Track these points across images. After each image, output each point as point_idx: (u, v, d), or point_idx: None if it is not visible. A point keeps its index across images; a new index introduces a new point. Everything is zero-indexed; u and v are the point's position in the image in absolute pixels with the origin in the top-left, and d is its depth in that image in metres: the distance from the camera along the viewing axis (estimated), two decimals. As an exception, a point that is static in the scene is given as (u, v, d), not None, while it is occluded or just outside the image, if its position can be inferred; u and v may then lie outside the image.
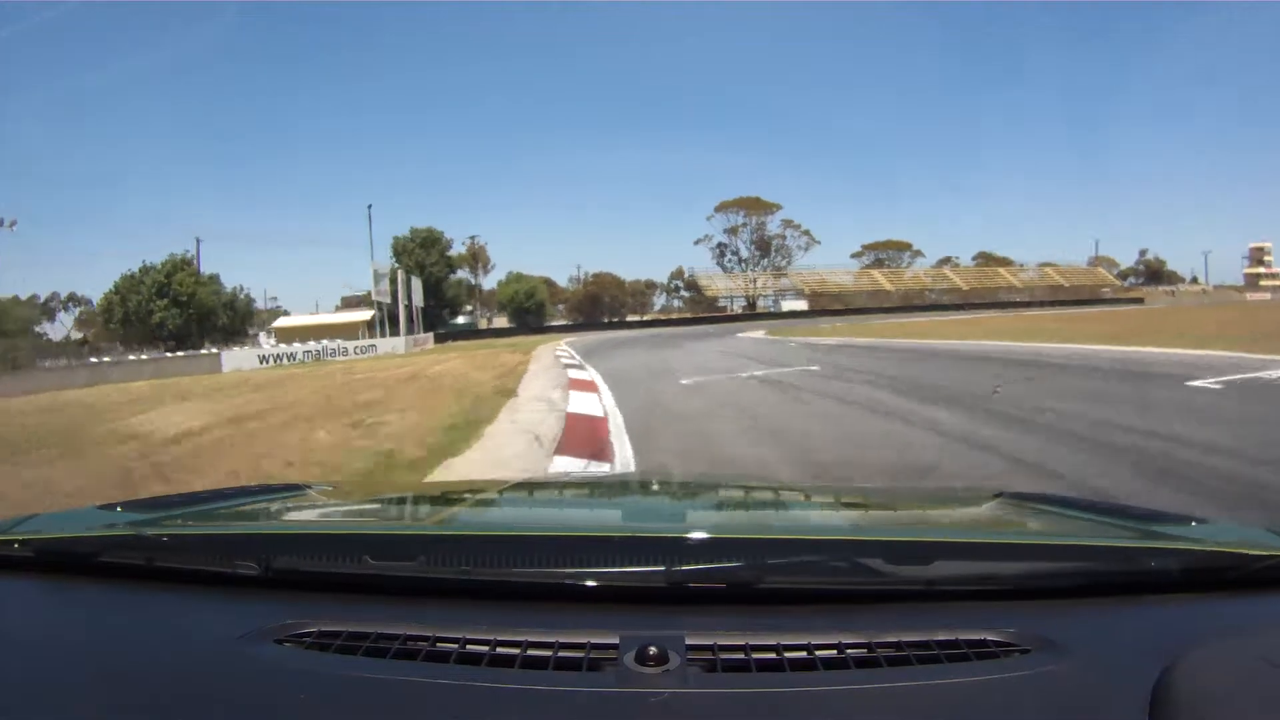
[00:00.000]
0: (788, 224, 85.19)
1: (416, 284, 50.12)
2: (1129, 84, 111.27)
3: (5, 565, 1.18)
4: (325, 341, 38.68)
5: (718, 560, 1.04)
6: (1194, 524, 1.41)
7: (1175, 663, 0.82)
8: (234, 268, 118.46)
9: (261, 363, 34.08)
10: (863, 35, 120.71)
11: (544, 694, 0.80)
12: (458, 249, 69.09)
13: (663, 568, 1.02)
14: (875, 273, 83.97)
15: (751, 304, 79.19)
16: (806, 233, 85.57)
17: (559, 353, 24.30)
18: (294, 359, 35.54)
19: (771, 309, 75.79)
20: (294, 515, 1.64)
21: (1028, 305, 68.40)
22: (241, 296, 53.93)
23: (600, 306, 78.46)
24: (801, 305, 74.73)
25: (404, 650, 0.89)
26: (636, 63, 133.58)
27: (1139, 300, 74.22)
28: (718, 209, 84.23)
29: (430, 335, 48.91)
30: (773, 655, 0.86)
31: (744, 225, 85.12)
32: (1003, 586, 1.05)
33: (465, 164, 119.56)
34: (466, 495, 1.90)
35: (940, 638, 0.90)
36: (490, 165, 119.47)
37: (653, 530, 1.38)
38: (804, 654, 0.87)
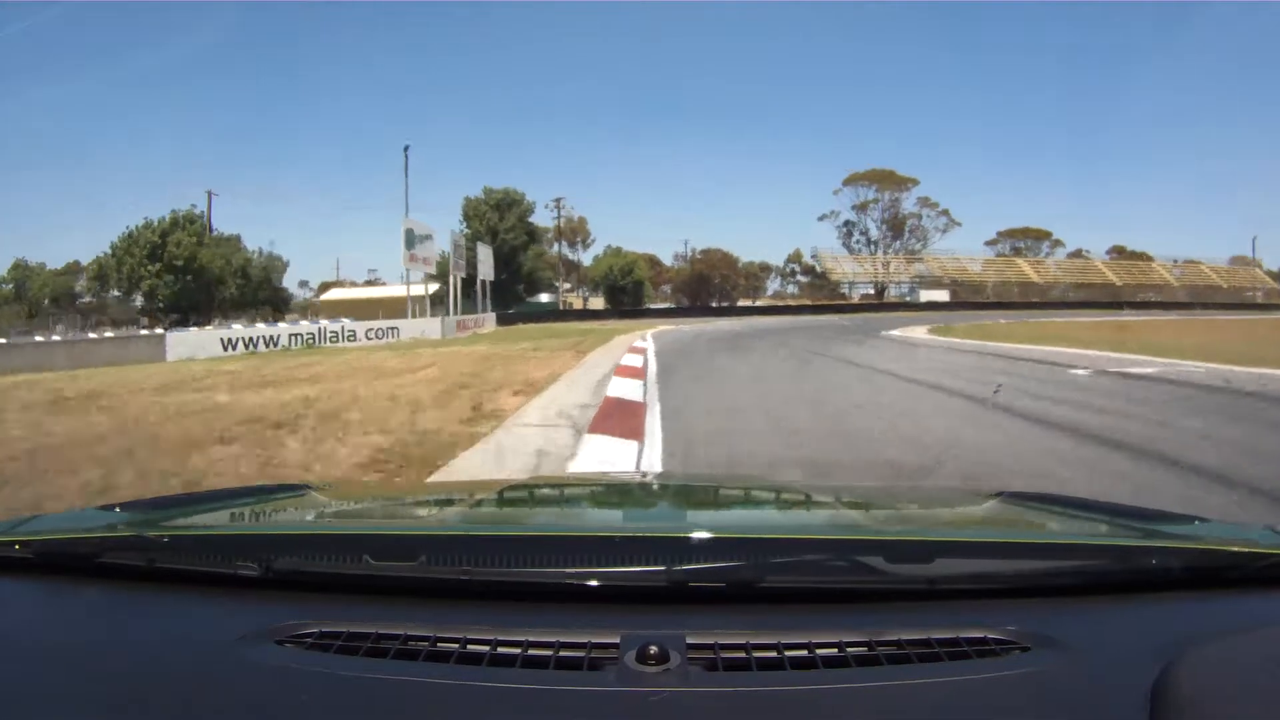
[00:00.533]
0: (924, 203, 73.58)
1: (486, 253, 41.69)
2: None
3: (5, 566, 1.16)
4: (325, 322, 29.45)
5: (718, 560, 1.05)
6: (1194, 523, 1.42)
7: (1175, 661, 0.82)
8: (312, 235, 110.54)
9: (226, 349, 24.37)
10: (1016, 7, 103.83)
11: (545, 694, 0.80)
12: (542, 216, 58.65)
13: (663, 567, 1.03)
14: (1021, 262, 72.97)
15: (880, 291, 66.41)
16: (945, 212, 73.57)
17: (627, 359, 14.31)
18: (274, 343, 25.97)
19: (906, 297, 62.93)
20: (294, 516, 1.63)
21: (1174, 306, 58.27)
22: (260, 259, 44.80)
23: (708, 288, 70.05)
24: (942, 295, 62.52)
25: (405, 650, 0.88)
26: (767, 15, 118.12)
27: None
28: (846, 182, 73.80)
29: (492, 316, 40.15)
30: (773, 654, 0.86)
31: (875, 201, 74.46)
32: (1003, 585, 1.05)
33: (560, 126, 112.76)
34: (467, 495, 1.89)
35: (941, 636, 0.90)
36: (593, 129, 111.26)
37: (653, 530, 1.40)
38: (805, 653, 0.87)
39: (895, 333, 25.50)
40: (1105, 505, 1.64)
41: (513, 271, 51.41)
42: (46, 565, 1.16)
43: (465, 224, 49.98)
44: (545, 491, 2.12)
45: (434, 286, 40.60)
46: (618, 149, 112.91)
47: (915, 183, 72.08)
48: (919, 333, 25.12)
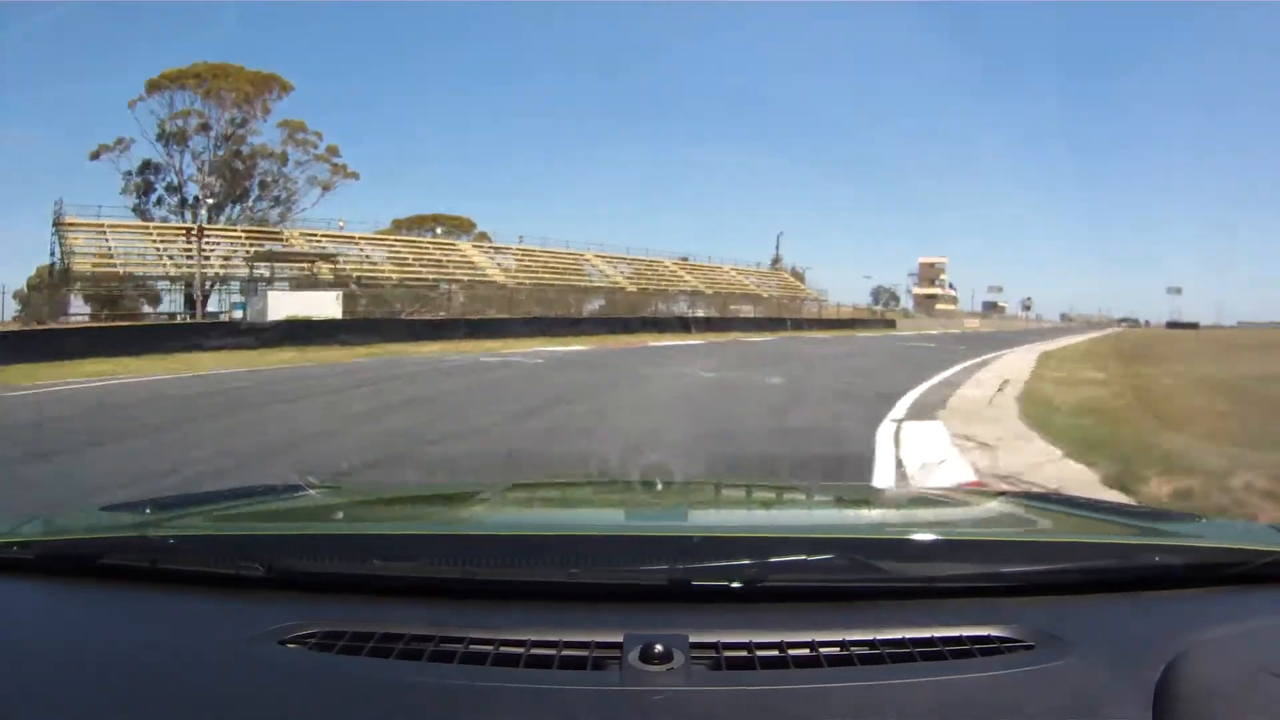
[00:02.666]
0: (293, 132, 39.04)
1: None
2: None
3: (7, 567, 1.16)
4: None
5: (721, 558, 1.04)
6: (1197, 521, 1.41)
7: (1179, 659, 0.83)
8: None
9: None
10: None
11: (548, 693, 0.80)
12: None
13: (666, 566, 1.03)
14: (470, 249, 44.05)
15: (200, 297, 29.23)
16: (332, 152, 42.87)
17: None
18: None
19: (238, 310, 27.09)
20: (297, 516, 1.61)
21: (762, 326, 39.08)
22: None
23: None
24: (325, 304, 26.73)
25: (408, 650, 0.88)
26: None
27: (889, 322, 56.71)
28: (154, 87, 38.77)
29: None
30: (776, 653, 0.86)
31: (202, 126, 40.09)
32: (1006, 583, 1.04)
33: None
34: (469, 495, 1.87)
35: (944, 634, 0.90)
36: None
37: (655, 529, 1.39)
38: (808, 651, 0.87)
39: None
40: (1108, 504, 1.79)
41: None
42: (48, 566, 1.15)
43: None
44: (547, 491, 2.10)
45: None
46: None
47: (288, 88, 37.90)
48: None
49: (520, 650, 0.87)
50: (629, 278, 47.20)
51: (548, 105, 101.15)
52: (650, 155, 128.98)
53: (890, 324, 54.84)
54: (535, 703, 0.79)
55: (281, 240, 35.48)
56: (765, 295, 53.66)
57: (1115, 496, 4.12)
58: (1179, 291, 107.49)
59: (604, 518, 1.68)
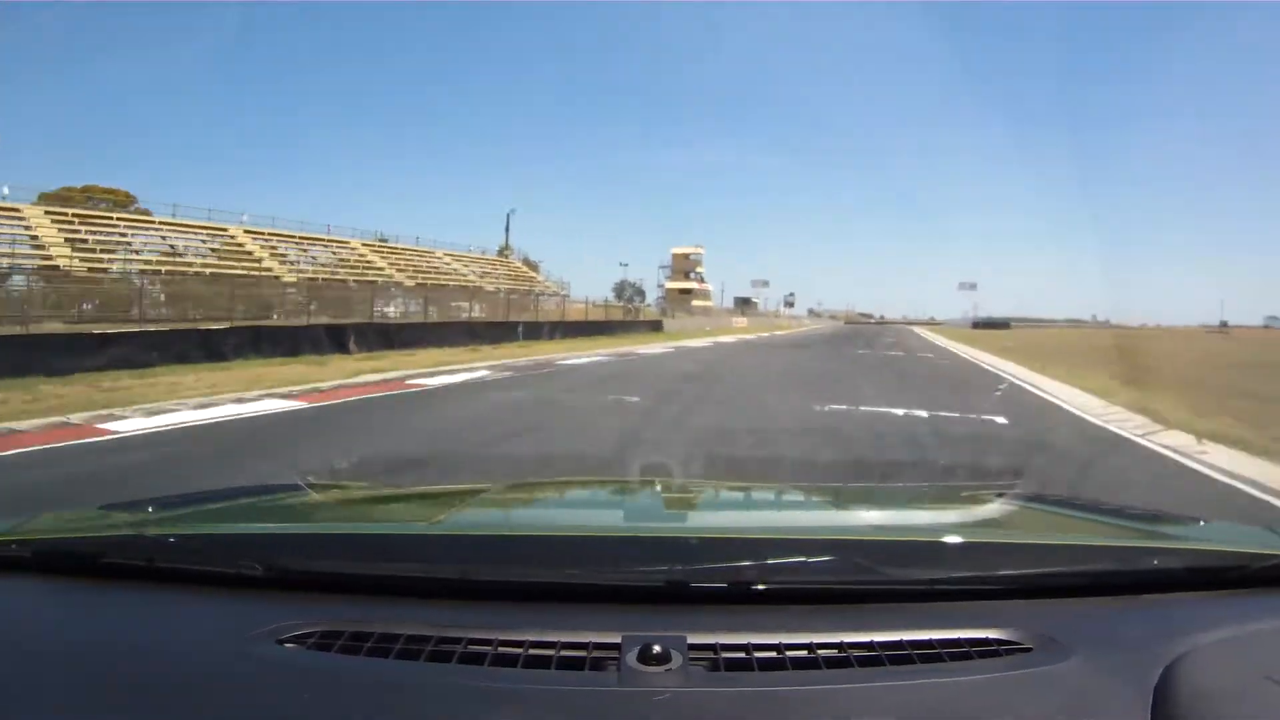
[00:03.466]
0: None
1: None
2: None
3: (7, 566, 1.16)
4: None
5: (719, 560, 1.04)
6: (1196, 524, 1.41)
7: (1177, 662, 0.83)
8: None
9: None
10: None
11: (547, 694, 0.80)
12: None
13: (664, 567, 1.03)
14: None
15: None
16: None
17: None
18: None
19: None
20: (296, 515, 1.61)
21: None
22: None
23: None
24: None
25: (406, 650, 0.88)
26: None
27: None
28: None
29: None
30: (774, 654, 0.86)
31: None
32: (1005, 586, 1.04)
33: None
34: (468, 495, 1.83)
35: (942, 636, 0.90)
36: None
37: (654, 530, 1.39)
38: (806, 653, 0.87)
39: None
40: (1107, 506, 1.69)
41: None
42: (47, 565, 1.15)
43: None
44: (546, 492, 2.09)
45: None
46: None
47: None
48: None
49: (518, 650, 0.86)
50: (293, 264, 31.58)
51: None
52: (351, 129, 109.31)
53: (657, 326, 41.99)
54: (534, 703, 0.79)
55: None
56: (490, 289, 39.58)
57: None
58: (973, 287, 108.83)
59: (602, 518, 1.67)
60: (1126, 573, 1.10)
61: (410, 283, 35.30)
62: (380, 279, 34.45)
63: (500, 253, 52.35)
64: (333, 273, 33.75)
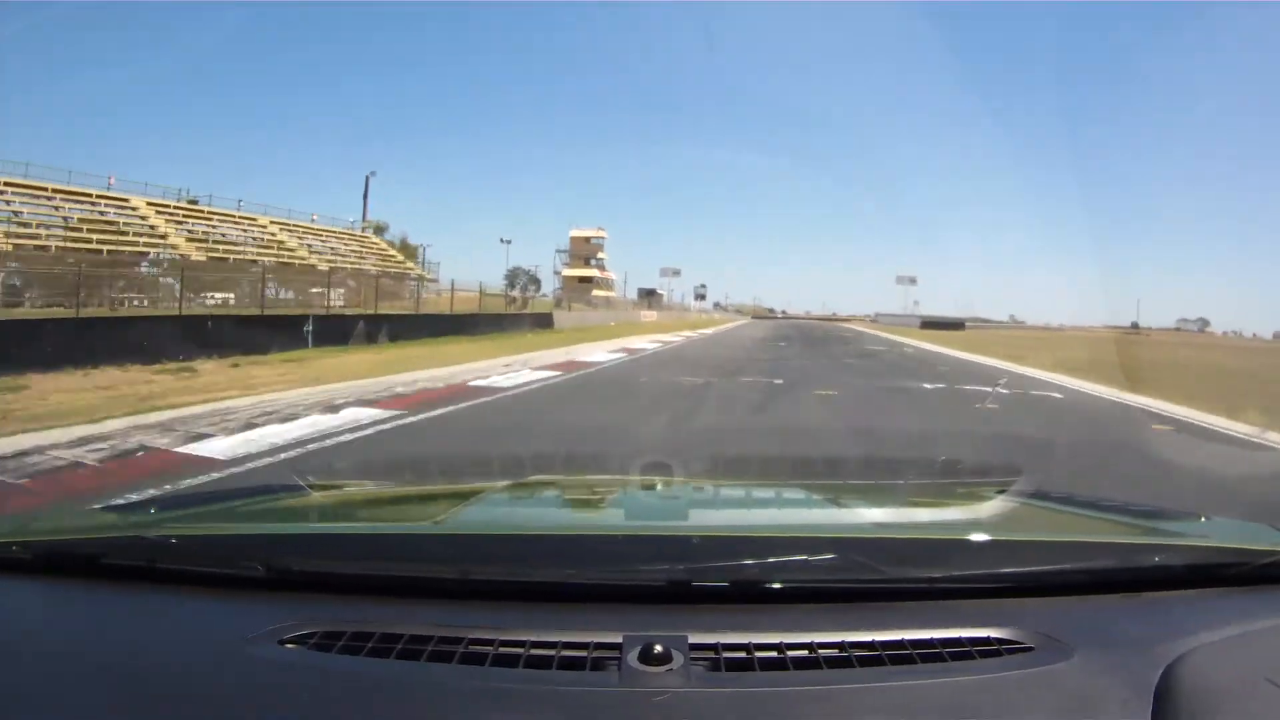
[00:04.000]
0: None
1: None
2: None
3: (7, 567, 1.15)
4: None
5: (720, 559, 1.04)
6: (1197, 521, 1.41)
7: (1179, 659, 0.84)
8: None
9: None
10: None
11: (547, 694, 0.80)
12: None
13: (665, 567, 1.03)
14: None
15: None
16: None
17: None
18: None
19: None
20: (296, 515, 1.60)
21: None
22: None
23: None
24: None
25: (407, 650, 0.88)
26: None
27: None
28: None
29: None
30: (775, 654, 0.86)
31: None
32: (1006, 584, 1.04)
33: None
34: (468, 494, 1.82)
35: (943, 635, 0.90)
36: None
37: (655, 529, 1.38)
38: (807, 652, 0.87)
39: None
40: (1108, 503, 1.65)
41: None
42: (48, 566, 1.14)
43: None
44: (546, 490, 2.06)
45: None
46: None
47: None
48: None
49: (519, 650, 0.87)
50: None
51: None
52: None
53: (545, 320, 33.67)
54: (535, 703, 0.79)
55: None
56: (324, 269, 30.18)
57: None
58: (913, 281, 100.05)
59: (603, 517, 1.67)
60: (1128, 570, 1.10)
61: (202, 256, 26.30)
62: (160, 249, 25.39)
63: (362, 227, 42.96)
64: (106, 238, 24.51)
